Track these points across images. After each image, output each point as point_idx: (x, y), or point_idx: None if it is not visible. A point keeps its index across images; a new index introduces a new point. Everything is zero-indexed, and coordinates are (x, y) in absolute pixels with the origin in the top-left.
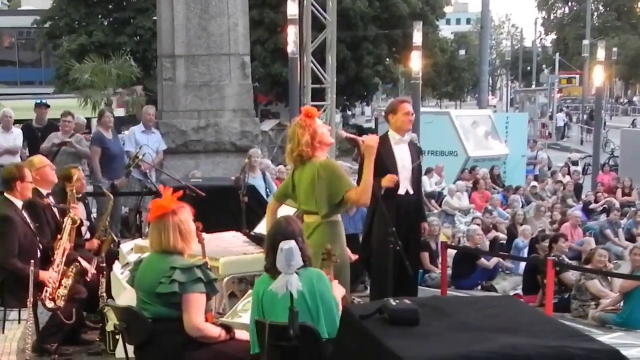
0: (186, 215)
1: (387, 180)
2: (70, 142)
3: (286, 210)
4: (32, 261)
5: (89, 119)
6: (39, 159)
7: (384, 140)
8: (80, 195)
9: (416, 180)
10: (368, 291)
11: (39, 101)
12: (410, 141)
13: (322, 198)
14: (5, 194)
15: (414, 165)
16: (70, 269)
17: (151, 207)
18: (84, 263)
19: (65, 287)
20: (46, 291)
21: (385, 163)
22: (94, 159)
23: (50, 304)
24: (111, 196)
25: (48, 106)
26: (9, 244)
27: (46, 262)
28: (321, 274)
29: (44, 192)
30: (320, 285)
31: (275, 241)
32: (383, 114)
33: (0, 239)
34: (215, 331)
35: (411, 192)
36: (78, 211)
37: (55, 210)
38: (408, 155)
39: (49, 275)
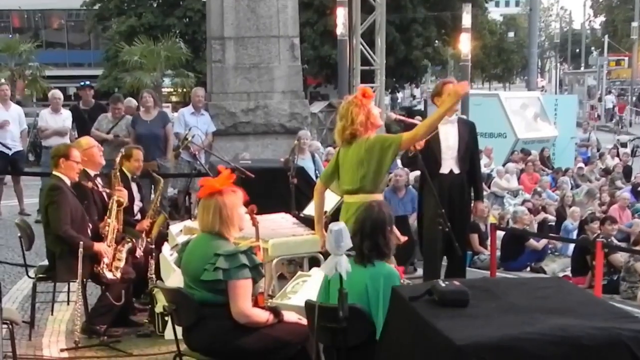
0: (233, 199)
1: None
2: (114, 137)
3: (331, 195)
4: (81, 243)
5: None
6: (86, 140)
7: None
8: (135, 176)
9: (463, 160)
10: (417, 272)
11: (82, 83)
12: (460, 120)
13: (371, 172)
14: (53, 171)
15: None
16: (122, 244)
17: (201, 185)
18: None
19: (120, 260)
20: (103, 262)
21: (429, 142)
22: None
23: (109, 275)
24: (161, 179)
25: (92, 87)
26: (61, 211)
27: (97, 240)
28: (392, 273)
29: (92, 173)
30: (387, 284)
31: (363, 227)
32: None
33: (52, 207)
34: (263, 316)
35: (457, 171)
36: (123, 193)
37: (104, 194)
38: (455, 135)
39: (104, 248)
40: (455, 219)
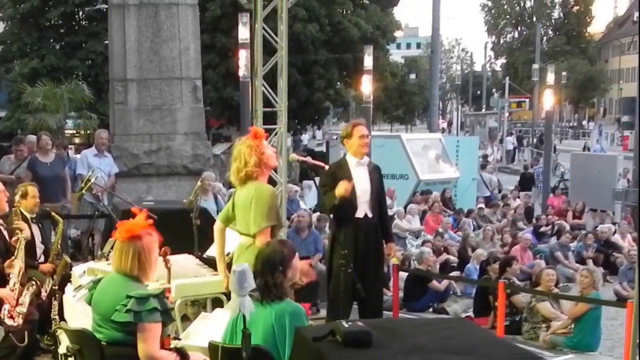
0: (150, 244)
1: (341, 189)
2: (17, 179)
3: (235, 235)
4: None
5: None
6: None
7: (342, 164)
8: (35, 215)
9: (375, 204)
10: (320, 313)
11: None
12: (370, 163)
13: (254, 218)
14: None
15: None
16: (27, 288)
17: (119, 227)
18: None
19: (22, 305)
20: (4, 309)
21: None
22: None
23: (9, 322)
24: (61, 220)
25: None
26: None
27: (1, 281)
28: (297, 310)
29: None
30: (293, 321)
31: (256, 266)
32: (339, 138)
33: None
34: (170, 358)
35: (370, 215)
36: (25, 228)
37: (4, 233)
38: (367, 178)
39: (6, 293)
40: (371, 262)
